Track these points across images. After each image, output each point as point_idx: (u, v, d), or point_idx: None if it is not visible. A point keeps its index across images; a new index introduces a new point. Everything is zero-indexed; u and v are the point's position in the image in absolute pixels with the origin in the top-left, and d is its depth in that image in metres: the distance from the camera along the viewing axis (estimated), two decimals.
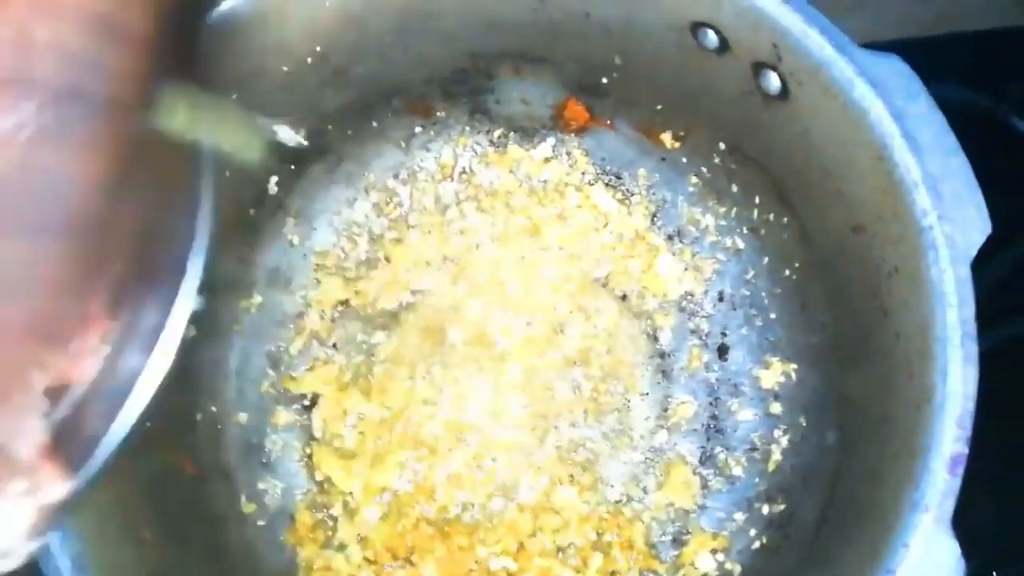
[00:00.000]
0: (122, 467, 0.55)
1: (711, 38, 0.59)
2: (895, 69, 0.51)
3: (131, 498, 0.56)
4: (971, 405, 0.46)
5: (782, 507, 0.66)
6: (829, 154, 0.56)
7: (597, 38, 0.65)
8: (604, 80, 0.70)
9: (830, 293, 0.63)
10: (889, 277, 0.53)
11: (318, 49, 0.64)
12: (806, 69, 0.54)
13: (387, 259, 0.77)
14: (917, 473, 0.46)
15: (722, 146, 0.69)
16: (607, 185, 0.78)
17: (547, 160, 0.78)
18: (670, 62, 0.64)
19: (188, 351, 0.65)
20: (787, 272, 0.68)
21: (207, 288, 0.66)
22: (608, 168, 0.78)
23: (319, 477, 0.72)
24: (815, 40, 0.53)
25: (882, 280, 0.54)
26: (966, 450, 0.46)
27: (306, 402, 0.75)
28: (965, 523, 0.45)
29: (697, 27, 0.59)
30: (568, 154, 0.78)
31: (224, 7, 0.56)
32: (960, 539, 0.44)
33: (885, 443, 0.51)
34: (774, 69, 0.56)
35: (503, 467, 0.72)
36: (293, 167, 0.72)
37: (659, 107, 0.70)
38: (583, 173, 0.78)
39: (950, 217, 0.49)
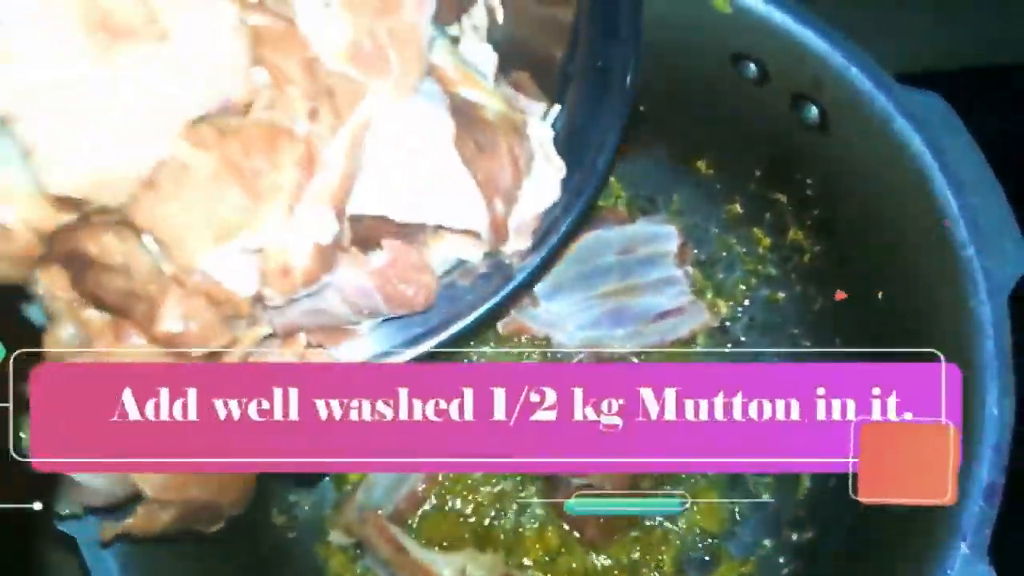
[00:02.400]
0: None
1: (751, 69, 0.61)
2: (934, 106, 0.52)
3: None
4: (1008, 435, 0.47)
5: (810, 535, 0.66)
6: (867, 185, 0.57)
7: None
8: (642, 107, 0.71)
9: (865, 323, 0.64)
10: (930, 309, 0.54)
11: None
12: (846, 103, 0.55)
13: None
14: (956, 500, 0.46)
15: (758, 174, 0.70)
16: (640, 210, 0.79)
17: None
18: (709, 90, 0.65)
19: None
20: (820, 300, 0.69)
21: None
22: (641, 193, 0.79)
23: (348, 489, 0.73)
24: (855, 75, 0.54)
25: (921, 312, 0.55)
26: (1003, 479, 0.46)
27: None
28: (1001, 551, 0.45)
29: (738, 58, 0.61)
30: None
31: None
32: (997, 567, 0.45)
33: None
34: (814, 101, 0.58)
35: (540, 484, 0.72)
36: None
37: (696, 134, 0.72)
38: (616, 198, 0.79)
39: (988, 250, 0.50)
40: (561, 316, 0.72)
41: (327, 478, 0.74)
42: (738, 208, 0.74)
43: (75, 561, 0.48)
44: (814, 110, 0.58)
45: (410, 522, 0.70)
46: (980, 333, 0.49)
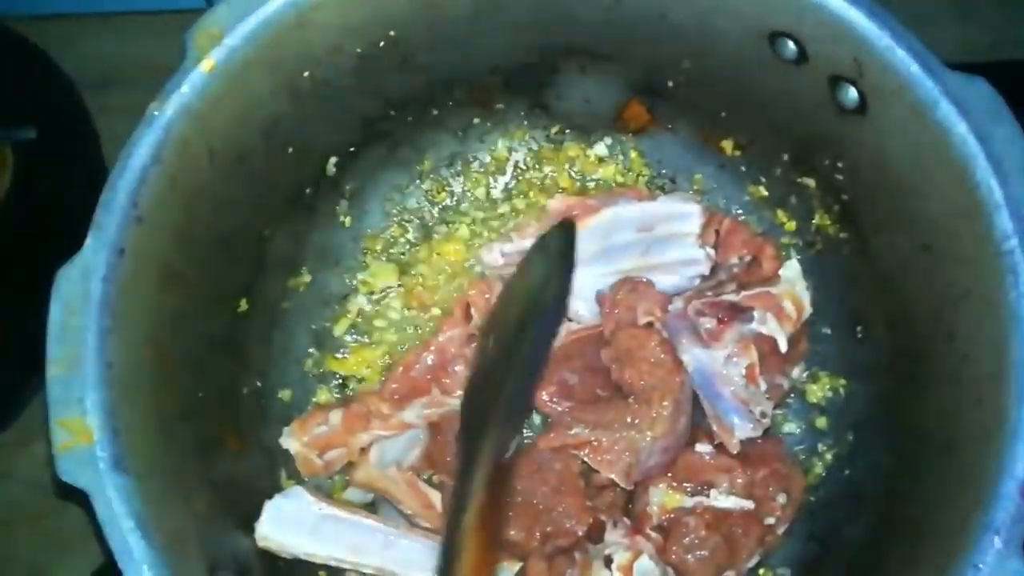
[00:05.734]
0: (177, 433, 0.56)
1: (790, 48, 0.59)
2: (981, 92, 0.51)
3: (184, 466, 0.56)
4: None
5: (823, 522, 0.66)
6: (904, 171, 0.56)
7: (669, 41, 0.65)
8: (670, 83, 0.70)
9: (888, 312, 0.63)
10: (958, 299, 0.53)
11: (392, 34, 0.64)
12: (889, 86, 0.54)
13: (434, 247, 0.77)
14: (987, 498, 0.46)
15: (786, 157, 0.69)
16: (660, 188, 0.78)
17: (602, 160, 0.78)
18: (742, 69, 0.64)
19: (239, 322, 0.67)
20: (843, 287, 0.68)
21: (257, 261, 0.68)
22: (663, 171, 0.78)
23: None
24: (901, 57, 0.53)
25: (949, 302, 0.54)
26: None
27: (349, 384, 0.75)
28: None
29: (776, 36, 0.59)
30: (624, 155, 0.78)
31: None
32: None
33: (947, 467, 0.51)
34: (853, 83, 0.56)
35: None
36: (353, 149, 0.72)
37: (723, 114, 0.70)
38: (637, 175, 0.78)
39: None
40: (580, 288, 0.71)
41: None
42: (763, 190, 0.73)
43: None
44: (853, 92, 0.57)
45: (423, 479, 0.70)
46: (1018, 327, 0.48)
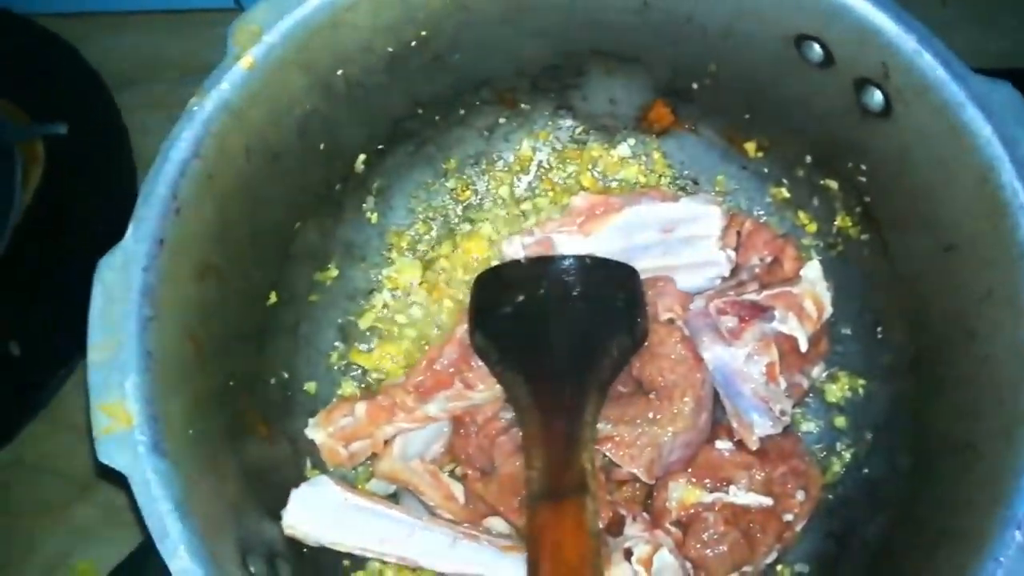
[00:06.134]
0: (209, 420, 0.57)
1: (816, 51, 0.60)
2: (1007, 96, 0.52)
3: (217, 452, 0.57)
4: None
5: (841, 519, 0.67)
6: (927, 173, 0.57)
7: (695, 43, 0.66)
8: (695, 85, 0.71)
9: (909, 313, 0.64)
10: (980, 300, 0.54)
11: (423, 34, 0.65)
12: (915, 89, 0.55)
13: (458, 244, 0.79)
14: (1008, 493, 0.46)
15: (808, 159, 0.69)
16: (682, 189, 0.79)
17: (625, 160, 0.80)
18: (767, 72, 0.65)
19: (268, 315, 0.68)
20: (864, 288, 0.69)
21: (287, 255, 0.69)
22: (686, 172, 0.79)
23: None
24: (927, 61, 0.53)
25: (971, 303, 0.55)
26: None
27: (373, 377, 0.76)
28: None
29: (802, 40, 0.60)
30: (647, 155, 0.79)
31: None
32: None
33: (967, 467, 0.52)
34: (879, 86, 0.57)
35: None
36: (381, 147, 0.73)
37: (747, 116, 0.71)
38: (660, 175, 0.79)
39: None
40: None
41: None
42: (785, 192, 0.74)
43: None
44: (878, 95, 0.58)
45: (446, 472, 0.71)
46: None
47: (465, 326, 0.70)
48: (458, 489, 0.69)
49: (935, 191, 0.57)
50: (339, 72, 0.63)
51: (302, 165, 0.66)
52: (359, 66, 0.64)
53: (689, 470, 0.65)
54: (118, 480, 0.49)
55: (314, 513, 0.64)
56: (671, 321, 0.69)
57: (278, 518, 0.62)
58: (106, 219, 0.91)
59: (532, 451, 0.58)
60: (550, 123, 0.79)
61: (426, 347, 0.75)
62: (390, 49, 0.65)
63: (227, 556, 0.52)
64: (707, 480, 0.65)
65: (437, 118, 0.75)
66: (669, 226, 0.73)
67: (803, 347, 0.67)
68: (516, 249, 0.74)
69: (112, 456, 0.49)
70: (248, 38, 0.58)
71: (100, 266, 0.53)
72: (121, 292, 0.52)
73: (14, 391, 0.87)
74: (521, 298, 0.69)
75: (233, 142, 0.58)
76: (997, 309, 0.52)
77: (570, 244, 0.73)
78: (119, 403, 0.50)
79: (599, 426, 0.63)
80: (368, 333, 0.77)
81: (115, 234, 0.54)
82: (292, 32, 0.59)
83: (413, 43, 0.65)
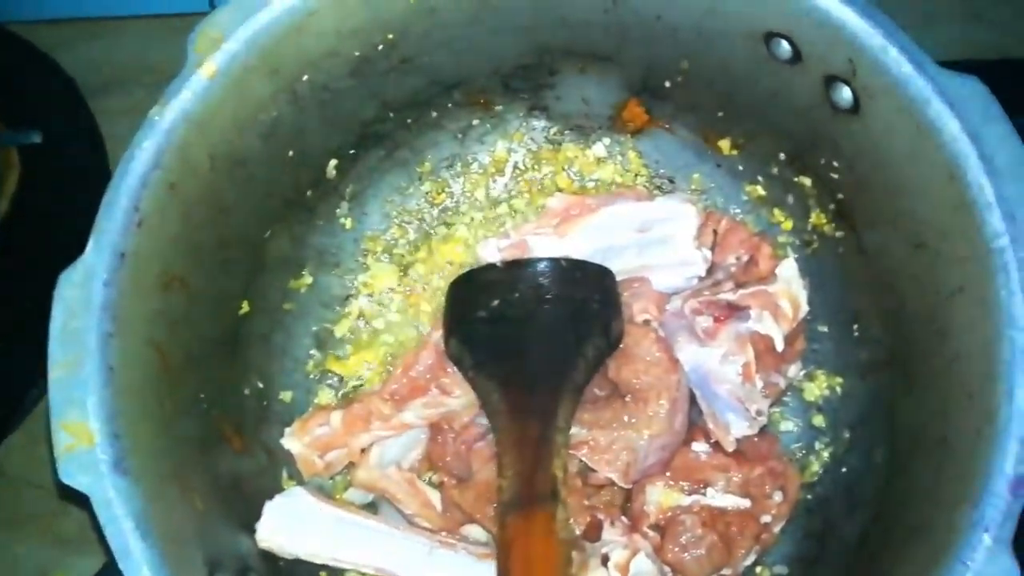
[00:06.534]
0: (178, 434, 0.57)
1: (784, 48, 0.59)
2: (973, 90, 0.51)
3: (186, 466, 0.57)
4: None
5: (819, 519, 0.66)
6: (897, 170, 0.56)
7: (666, 41, 0.65)
8: (667, 83, 0.70)
9: (884, 310, 0.63)
10: (951, 297, 0.53)
11: (390, 36, 0.64)
12: (882, 85, 0.54)
13: (434, 247, 0.78)
14: (977, 494, 0.46)
15: (782, 156, 0.69)
16: (658, 188, 0.78)
17: (600, 160, 0.79)
18: (738, 69, 0.64)
19: (240, 324, 0.67)
20: (838, 286, 0.68)
21: (258, 263, 0.68)
22: (661, 171, 0.78)
23: None
24: (893, 57, 0.53)
25: (942, 300, 0.54)
26: None
27: (350, 385, 0.75)
28: None
29: (771, 37, 0.59)
30: (622, 155, 0.79)
31: None
32: (1021, 559, 0.45)
33: (940, 464, 0.51)
34: (847, 83, 0.57)
35: None
36: (353, 152, 0.73)
37: (721, 113, 0.71)
38: (636, 175, 0.79)
39: (1022, 241, 0.49)
40: None
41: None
42: (760, 189, 0.73)
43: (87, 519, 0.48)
44: (847, 92, 0.57)
45: (423, 479, 0.70)
46: (1009, 326, 0.48)
47: (440, 332, 0.70)
48: (435, 497, 0.68)
49: (905, 188, 0.56)
50: (305, 78, 0.63)
51: (270, 172, 0.65)
52: (325, 71, 0.63)
53: (667, 473, 0.65)
54: (80, 501, 0.48)
55: (289, 525, 0.63)
56: (646, 322, 0.69)
57: (252, 531, 0.62)
58: (84, 226, 0.91)
59: (504, 458, 0.58)
60: (524, 124, 0.78)
61: (403, 352, 0.75)
62: (357, 53, 0.64)
63: (194, 573, 0.51)
64: (684, 483, 0.64)
65: (409, 121, 0.74)
66: (644, 226, 0.73)
67: (779, 346, 0.66)
68: (492, 252, 0.73)
69: (74, 476, 0.48)
70: (209, 44, 0.57)
71: (60, 281, 0.52)
72: (81, 307, 0.51)
73: None
74: (495, 303, 0.68)
75: (196, 151, 0.58)
76: (967, 307, 0.52)
77: (546, 246, 0.72)
78: (81, 422, 0.49)
79: (575, 431, 0.63)
80: (344, 340, 0.76)
81: None
82: (255, 39, 0.58)
83: (380, 47, 0.65)
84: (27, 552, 0.83)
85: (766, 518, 0.64)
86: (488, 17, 0.66)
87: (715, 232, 0.72)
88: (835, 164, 0.63)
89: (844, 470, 0.66)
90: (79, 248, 0.54)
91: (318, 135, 0.68)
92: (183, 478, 0.55)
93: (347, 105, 0.68)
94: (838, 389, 0.69)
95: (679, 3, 0.62)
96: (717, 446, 0.65)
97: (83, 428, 0.49)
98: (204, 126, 0.58)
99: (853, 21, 0.54)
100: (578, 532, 0.63)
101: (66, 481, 0.48)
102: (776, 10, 0.57)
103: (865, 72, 0.55)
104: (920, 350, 0.57)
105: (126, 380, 0.52)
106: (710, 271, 0.71)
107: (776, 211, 0.73)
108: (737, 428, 0.64)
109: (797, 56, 0.59)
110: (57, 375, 0.50)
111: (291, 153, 0.67)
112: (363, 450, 0.70)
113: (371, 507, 0.71)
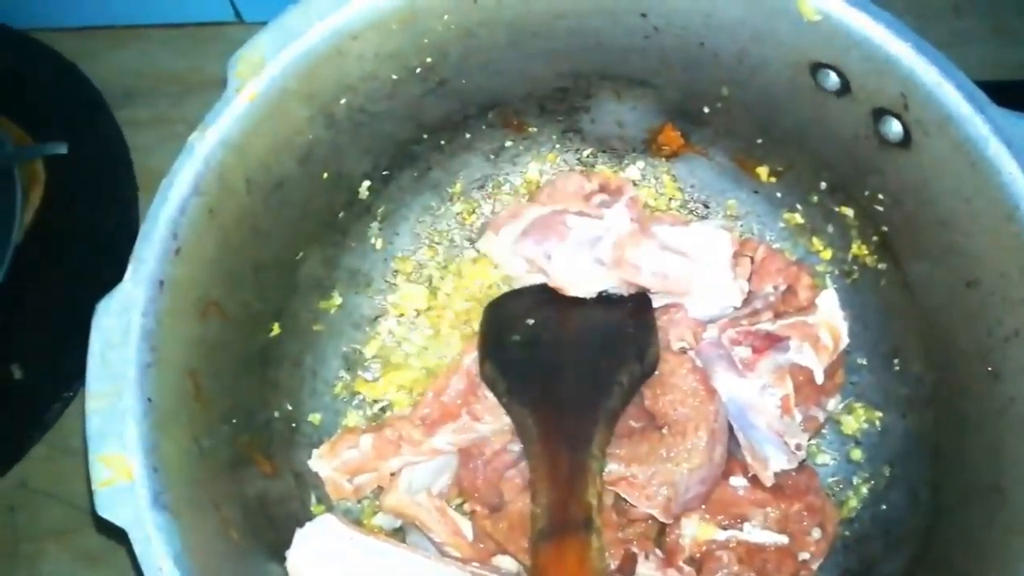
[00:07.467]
0: (211, 461, 0.56)
1: (832, 79, 0.58)
2: None
3: (220, 496, 0.56)
4: None
5: (857, 557, 0.65)
6: (948, 206, 0.55)
7: (707, 68, 0.64)
8: (706, 109, 0.69)
9: (928, 347, 0.62)
10: (1006, 340, 0.52)
11: (429, 60, 0.63)
12: (935, 121, 0.53)
13: (463, 269, 0.77)
14: None
15: (823, 186, 0.68)
16: (692, 213, 0.77)
17: (634, 183, 0.78)
18: (781, 97, 0.63)
19: (271, 347, 0.67)
20: (879, 319, 0.67)
21: (290, 285, 0.68)
22: (696, 196, 0.77)
23: None
24: (949, 93, 0.52)
25: (997, 341, 0.53)
26: None
27: (379, 406, 0.75)
28: None
29: (818, 67, 0.58)
30: (656, 178, 0.78)
31: (358, 9, 0.56)
32: None
33: (994, 512, 0.50)
34: (898, 117, 0.55)
35: None
36: (386, 173, 0.72)
37: (760, 140, 0.69)
38: (670, 198, 0.78)
39: None
40: None
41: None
42: (798, 218, 0.72)
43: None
44: (897, 126, 0.56)
45: (453, 506, 0.69)
46: None
47: (472, 355, 0.69)
48: (466, 526, 0.67)
49: (957, 225, 0.55)
50: (342, 101, 0.62)
51: (305, 194, 0.65)
52: (363, 94, 0.62)
53: (703, 507, 0.64)
54: (116, 532, 0.47)
55: (319, 553, 0.62)
56: (683, 350, 0.68)
57: (282, 559, 0.61)
58: (109, 238, 0.91)
59: (537, 484, 0.57)
60: (558, 146, 0.77)
61: (433, 375, 0.74)
62: (395, 76, 0.63)
63: None
64: (721, 517, 0.63)
65: (442, 142, 0.73)
66: (680, 252, 0.72)
67: (819, 379, 0.65)
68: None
69: (113, 510, 0.48)
70: (250, 69, 0.56)
71: (97, 311, 0.51)
72: (120, 337, 0.50)
73: (17, 414, 0.86)
74: (531, 325, 0.68)
75: (234, 176, 0.57)
76: (1020, 355, 0.51)
77: None
78: (119, 455, 0.48)
79: (612, 467, 0.62)
80: (373, 362, 0.76)
81: (117, 255, 0.53)
82: (295, 63, 0.57)
83: (418, 69, 0.64)
84: (50, 566, 0.82)
85: (804, 555, 0.63)
86: (525, 42, 0.65)
87: (751, 259, 0.71)
88: (880, 196, 0.62)
89: (884, 507, 0.65)
90: (105, 259, 0.53)
91: (353, 157, 0.67)
92: (219, 509, 0.55)
93: (382, 127, 0.67)
94: (877, 424, 0.68)
95: (724, 29, 0.61)
96: (755, 480, 0.64)
97: (121, 461, 0.48)
98: (242, 150, 0.57)
99: (907, 55, 0.52)
100: (613, 566, 0.62)
101: (104, 515, 0.48)
102: (826, 41, 0.56)
103: (918, 107, 0.54)
104: (969, 390, 0.56)
105: (163, 411, 0.51)
106: (747, 300, 0.70)
107: (815, 240, 0.72)
108: (776, 462, 0.63)
109: (846, 88, 0.58)
110: (95, 406, 0.49)
111: (326, 175, 0.66)
112: (392, 474, 0.69)
113: (399, 531, 0.70)
